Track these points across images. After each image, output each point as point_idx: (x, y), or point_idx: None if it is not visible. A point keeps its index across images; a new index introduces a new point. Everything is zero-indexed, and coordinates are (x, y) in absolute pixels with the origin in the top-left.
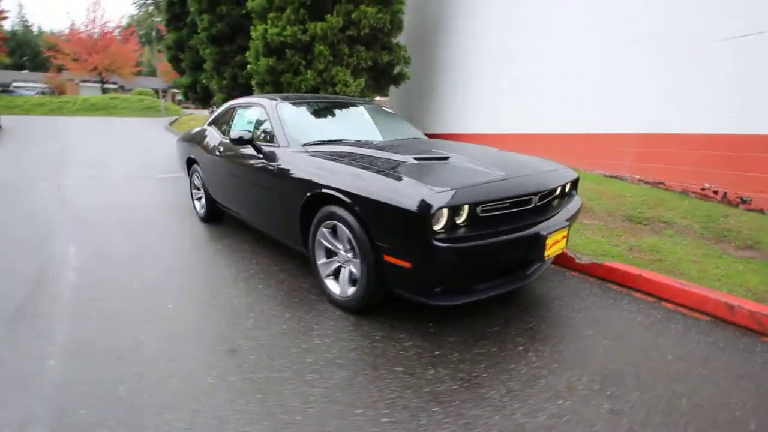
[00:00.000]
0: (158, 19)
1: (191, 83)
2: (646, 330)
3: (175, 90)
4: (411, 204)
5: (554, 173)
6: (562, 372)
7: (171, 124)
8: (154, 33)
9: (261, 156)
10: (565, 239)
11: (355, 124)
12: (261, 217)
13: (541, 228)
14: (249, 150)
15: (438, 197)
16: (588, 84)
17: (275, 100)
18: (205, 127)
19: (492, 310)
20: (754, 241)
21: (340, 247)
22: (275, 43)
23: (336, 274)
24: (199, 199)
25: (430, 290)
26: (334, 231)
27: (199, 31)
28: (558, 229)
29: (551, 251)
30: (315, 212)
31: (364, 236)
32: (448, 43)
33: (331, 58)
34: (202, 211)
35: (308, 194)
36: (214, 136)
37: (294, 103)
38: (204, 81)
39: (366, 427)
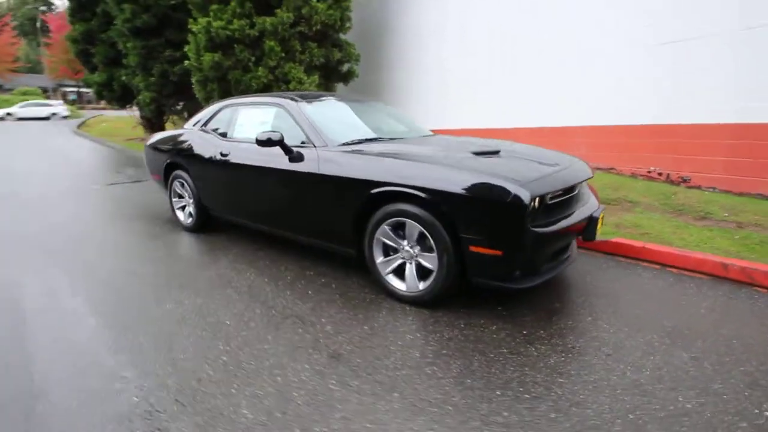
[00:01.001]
0: (43, 8)
1: (106, 80)
2: (669, 291)
3: (67, 89)
4: (507, 196)
5: (582, 164)
6: (635, 334)
7: (79, 126)
8: (38, 24)
9: (291, 158)
10: (602, 220)
11: (372, 121)
12: (291, 221)
13: (592, 211)
14: (275, 152)
15: (529, 187)
16: (541, 84)
17: (295, 99)
18: (190, 129)
19: (540, 291)
20: (706, 212)
21: (405, 243)
22: (221, 38)
23: (397, 270)
24: (183, 208)
25: (511, 275)
26: (396, 228)
27: (117, 22)
28: (601, 212)
29: (599, 231)
30: (371, 211)
31: (441, 230)
32: (393, 42)
33: (283, 55)
34: (189, 221)
35: (370, 193)
36: (208, 140)
37: (312, 102)
38: (123, 78)
39: (515, 405)
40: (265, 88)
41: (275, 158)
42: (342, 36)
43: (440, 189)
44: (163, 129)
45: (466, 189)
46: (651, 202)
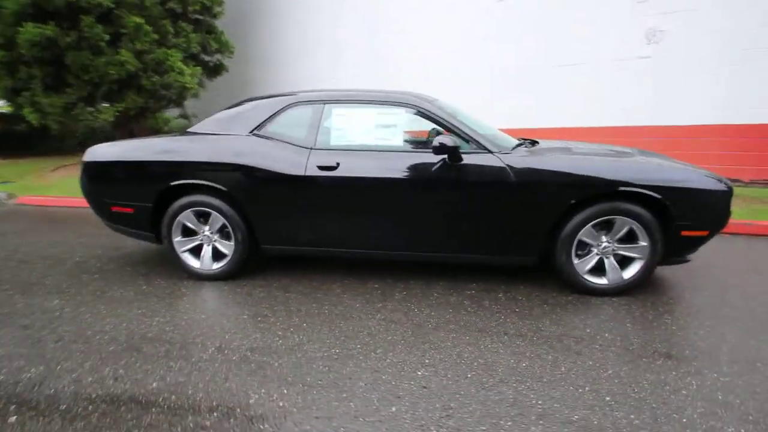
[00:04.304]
0: None
1: None
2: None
3: None
4: (724, 186)
5: None
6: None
7: None
8: None
9: (458, 166)
10: None
11: (476, 120)
12: (454, 240)
13: None
14: (422, 160)
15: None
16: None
17: (415, 97)
18: (225, 136)
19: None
20: None
21: (604, 239)
22: (56, 4)
23: (595, 267)
24: (196, 249)
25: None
26: (597, 226)
27: None
28: None
29: None
30: (570, 214)
31: (655, 222)
32: (265, 35)
33: (156, 37)
34: (217, 266)
35: (586, 195)
36: (281, 150)
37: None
38: None
39: None
40: (130, 78)
41: (426, 168)
42: (215, 22)
43: (671, 185)
44: None
45: (699, 184)
46: None
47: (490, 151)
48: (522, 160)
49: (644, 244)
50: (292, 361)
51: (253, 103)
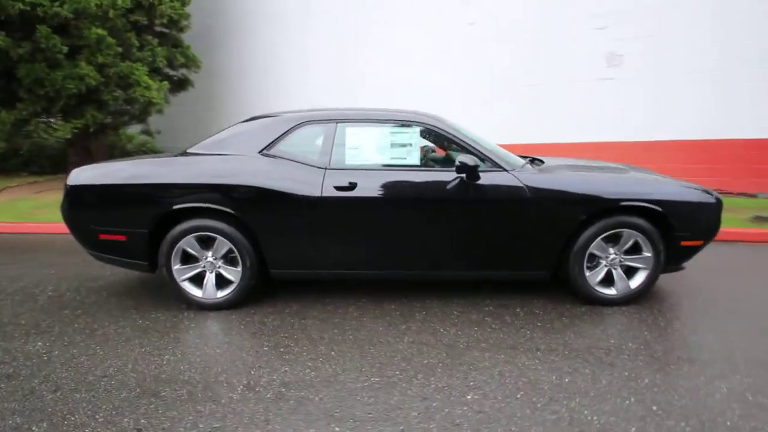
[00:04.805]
0: None
1: None
2: None
3: None
4: (715, 199)
5: None
6: None
7: None
8: None
9: (476, 184)
10: None
11: (482, 139)
12: (469, 257)
13: None
14: (439, 178)
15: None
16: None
17: (429, 116)
18: (231, 156)
19: None
20: None
21: (611, 251)
22: (9, 12)
23: (605, 279)
24: (197, 278)
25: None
26: (606, 239)
27: None
28: None
29: None
30: (581, 229)
31: (658, 234)
32: (232, 48)
33: (119, 50)
34: (222, 294)
35: (596, 210)
36: (294, 170)
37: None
38: None
39: None
40: (89, 93)
41: (443, 186)
42: (182, 36)
43: (670, 199)
44: None
45: (695, 198)
46: None
47: (504, 170)
48: (536, 178)
49: (648, 254)
50: (333, 394)
51: (259, 122)
